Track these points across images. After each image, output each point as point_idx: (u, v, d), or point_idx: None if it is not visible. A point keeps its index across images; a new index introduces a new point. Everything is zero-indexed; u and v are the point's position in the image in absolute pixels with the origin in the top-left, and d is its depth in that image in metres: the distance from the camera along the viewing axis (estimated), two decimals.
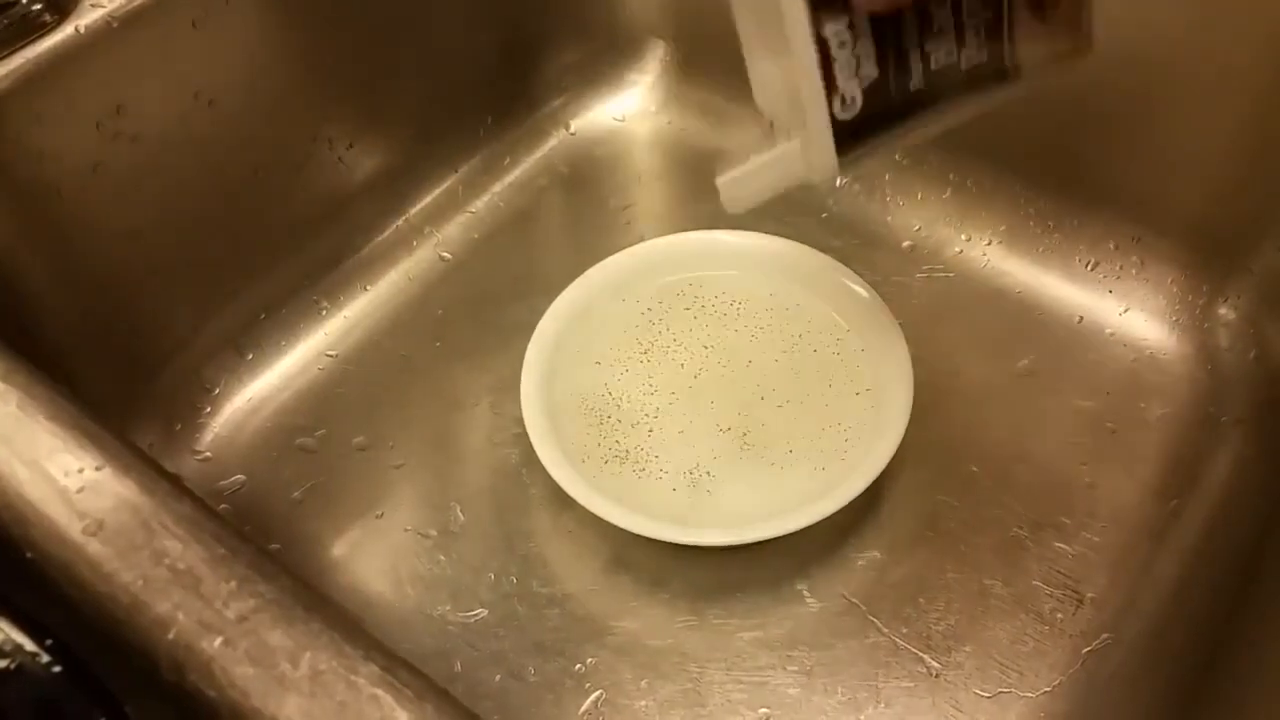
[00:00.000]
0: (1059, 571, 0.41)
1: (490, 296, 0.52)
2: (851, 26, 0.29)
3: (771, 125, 0.34)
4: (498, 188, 0.57)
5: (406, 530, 0.44)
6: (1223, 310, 0.47)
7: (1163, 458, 0.44)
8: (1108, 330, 0.48)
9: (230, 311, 0.49)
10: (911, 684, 0.39)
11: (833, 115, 0.30)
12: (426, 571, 0.43)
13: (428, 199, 0.55)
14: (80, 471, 0.26)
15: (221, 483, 0.46)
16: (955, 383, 0.47)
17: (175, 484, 0.26)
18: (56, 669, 0.25)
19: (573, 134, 0.59)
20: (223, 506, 0.45)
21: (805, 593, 0.41)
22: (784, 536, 0.38)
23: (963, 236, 0.52)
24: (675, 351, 0.45)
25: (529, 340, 0.44)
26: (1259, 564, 0.40)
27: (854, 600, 0.41)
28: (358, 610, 0.42)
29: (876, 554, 0.42)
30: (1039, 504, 0.43)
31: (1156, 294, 0.49)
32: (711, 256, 0.48)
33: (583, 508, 0.39)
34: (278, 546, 0.44)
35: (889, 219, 0.53)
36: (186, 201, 0.45)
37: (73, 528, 0.25)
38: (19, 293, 0.41)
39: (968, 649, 0.40)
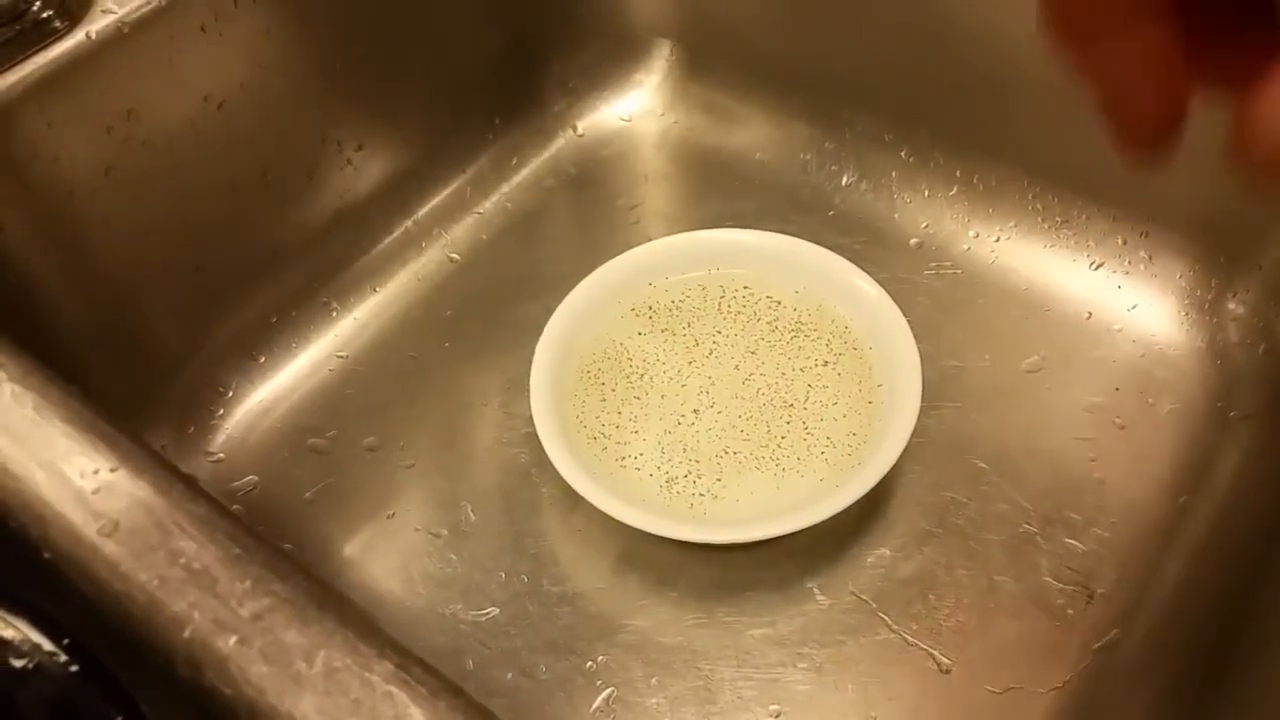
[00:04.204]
0: (1069, 567, 0.41)
1: (499, 297, 0.52)
2: None
3: None
4: (505, 188, 0.57)
5: (417, 530, 0.44)
6: (1231, 305, 0.47)
7: (1172, 453, 0.44)
8: (1116, 326, 0.48)
9: (241, 314, 0.49)
10: (921, 680, 0.39)
11: None
12: (438, 570, 0.43)
13: (436, 200, 0.56)
14: (96, 473, 0.26)
15: (234, 483, 0.46)
16: (964, 379, 0.47)
17: (190, 485, 0.26)
18: (73, 668, 0.25)
19: (580, 135, 0.59)
20: (235, 507, 0.45)
21: (815, 590, 0.42)
22: (793, 534, 0.38)
23: (970, 233, 0.52)
24: (683, 349, 0.46)
25: (538, 340, 0.44)
26: (1268, 559, 0.40)
27: (864, 597, 0.41)
28: (369, 609, 0.42)
29: (886, 551, 0.42)
30: (1048, 500, 0.43)
31: (1165, 289, 0.49)
32: (719, 255, 0.48)
33: (592, 506, 0.39)
34: (290, 546, 0.44)
35: (896, 216, 0.53)
36: (197, 204, 0.45)
37: (89, 528, 0.25)
38: (34, 296, 0.41)
39: (978, 645, 0.40)
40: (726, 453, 0.42)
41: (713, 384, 0.44)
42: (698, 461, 0.42)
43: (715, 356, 0.45)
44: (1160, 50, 0.16)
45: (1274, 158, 0.15)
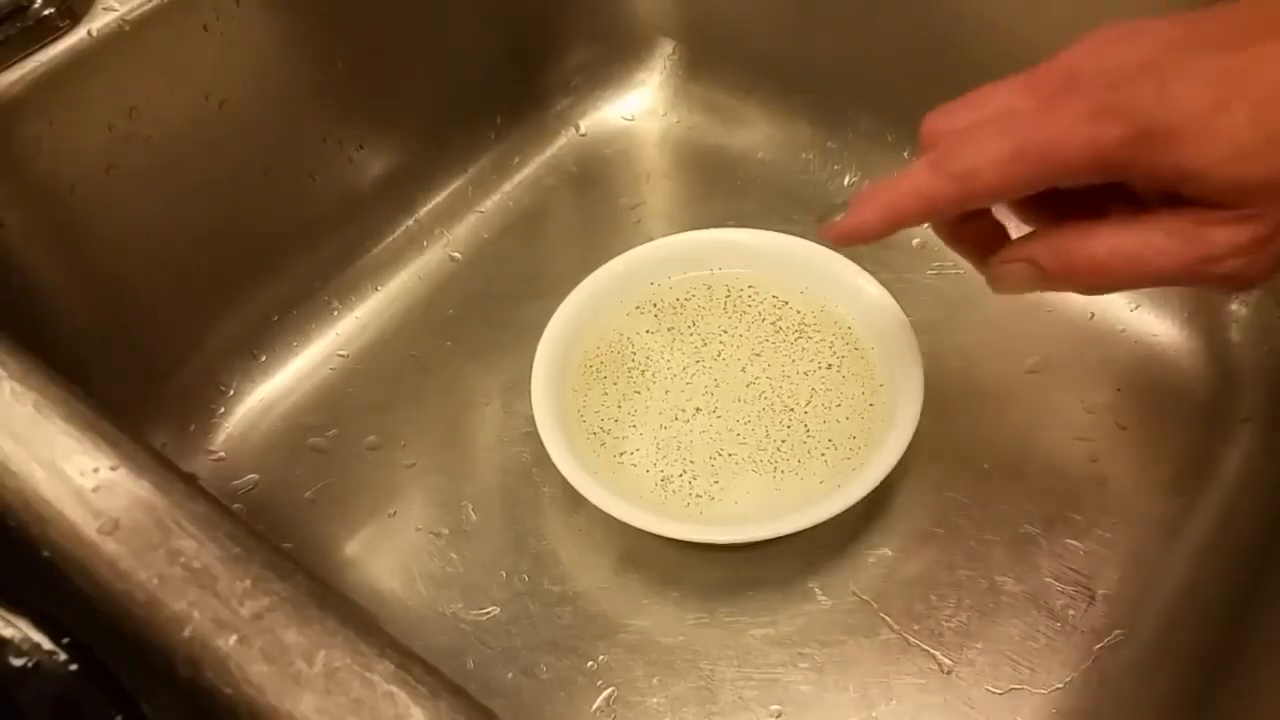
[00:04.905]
0: (1070, 568, 0.41)
1: (500, 296, 0.52)
2: None
3: None
4: (507, 187, 0.57)
5: (418, 529, 0.44)
6: (1234, 305, 0.47)
7: (1174, 454, 0.44)
8: (1119, 326, 0.48)
9: (242, 312, 0.49)
10: (923, 681, 0.39)
11: None
12: (438, 570, 0.43)
13: (437, 199, 0.55)
14: (96, 471, 0.26)
15: (235, 482, 0.46)
16: (966, 379, 0.47)
17: (190, 483, 0.26)
18: (74, 667, 0.25)
19: (582, 134, 0.59)
20: (236, 506, 0.45)
21: (816, 590, 0.42)
22: (794, 534, 0.38)
23: None
24: (685, 349, 0.46)
25: (539, 339, 0.44)
26: (1269, 560, 0.39)
27: (865, 597, 0.41)
28: (370, 608, 0.42)
29: (887, 551, 0.42)
30: (1050, 501, 0.43)
31: (1168, 290, 0.48)
32: (722, 254, 0.48)
33: (594, 506, 0.39)
34: (290, 545, 0.44)
35: None
36: (198, 203, 0.45)
37: (89, 527, 0.25)
38: (34, 293, 0.41)
39: (979, 646, 0.40)
40: (721, 454, 0.42)
41: (717, 385, 0.44)
42: (692, 462, 0.42)
43: (723, 358, 0.45)
44: (986, 230, 0.33)
45: (1004, 290, 0.32)
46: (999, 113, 0.29)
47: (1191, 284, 0.29)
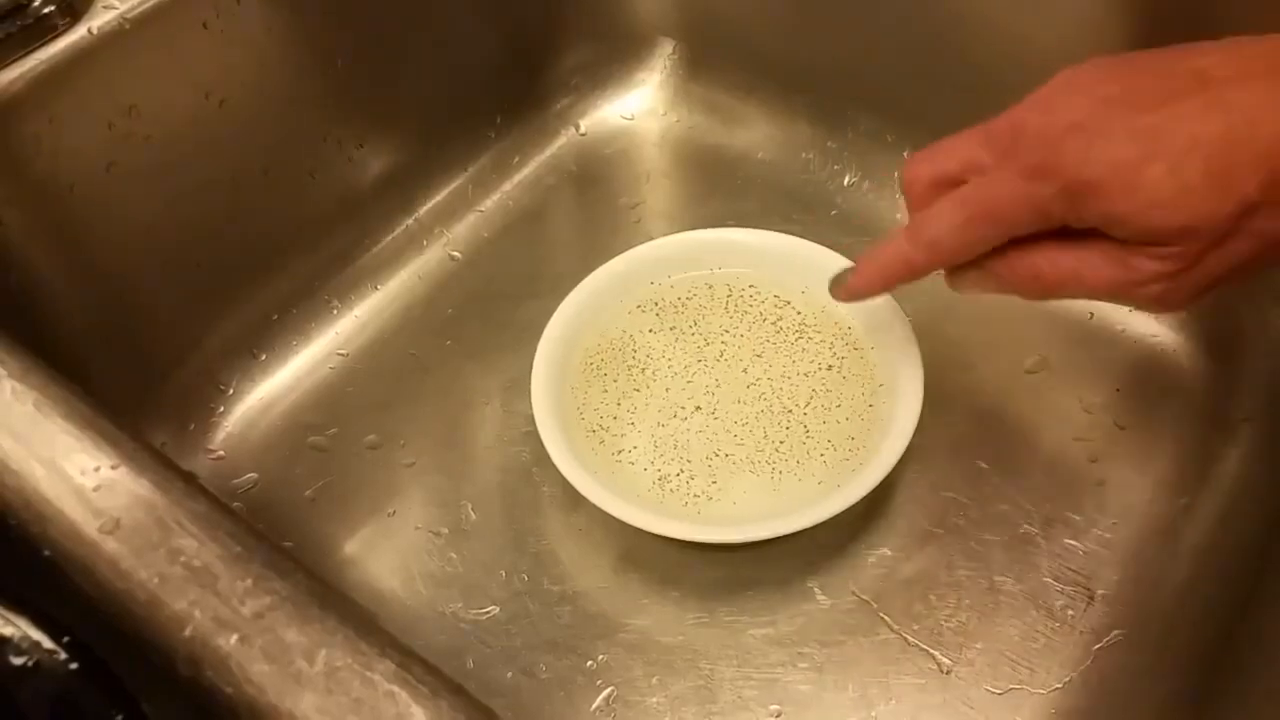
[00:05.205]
0: (1070, 568, 0.41)
1: (500, 295, 0.52)
2: None
3: None
4: (507, 187, 0.57)
5: (418, 528, 0.44)
6: (1234, 306, 0.47)
7: (1173, 454, 0.44)
8: (1118, 326, 0.48)
9: (242, 311, 0.49)
10: (922, 681, 0.39)
11: None
12: (438, 569, 0.43)
13: (437, 198, 0.55)
14: (96, 470, 0.26)
15: (234, 481, 0.46)
16: (966, 379, 0.47)
17: (190, 482, 0.26)
18: (74, 666, 0.25)
19: (582, 134, 0.59)
20: (235, 505, 0.45)
21: (816, 590, 0.42)
22: (794, 534, 0.38)
23: None
24: (685, 349, 0.46)
25: (539, 338, 0.44)
26: (1269, 560, 0.39)
27: (864, 597, 0.41)
28: (370, 608, 0.42)
29: (887, 551, 0.42)
30: (1049, 501, 0.43)
31: None
32: (722, 254, 0.48)
33: (593, 506, 0.39)
34: (290, 544, 0.44)
35: (899, 216, 0.53)
36: (198, 201, 0.45)
37: (89, 526, 0.25)
38: (34, 292, 0.41)
39: (978, 646, 0.40)
40: (719, 454, 0.42)
41: (718, 385, 0.44)
42: (689, 461, 0.42)
43: (725, 359, 0.45)
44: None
45: (961, 290, 0.36)
46: (961, 166, 0.33)
47: (1119, 302, 0.35)
